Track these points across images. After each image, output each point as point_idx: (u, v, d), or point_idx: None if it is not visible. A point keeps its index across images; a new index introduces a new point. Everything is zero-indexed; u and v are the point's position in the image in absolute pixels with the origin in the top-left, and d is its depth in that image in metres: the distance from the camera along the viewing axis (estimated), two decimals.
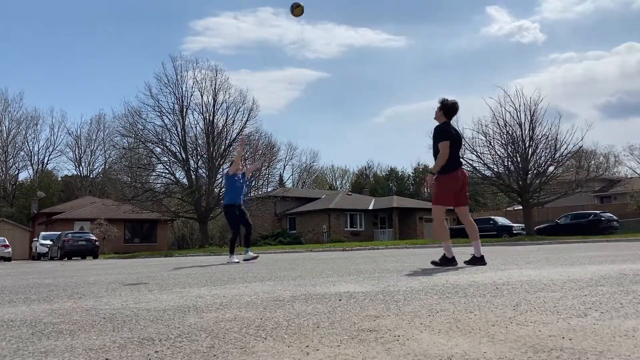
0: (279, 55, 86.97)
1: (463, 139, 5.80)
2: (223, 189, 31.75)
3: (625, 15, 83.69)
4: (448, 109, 5.58)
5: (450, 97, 5.64)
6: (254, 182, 35.15)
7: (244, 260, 8.88)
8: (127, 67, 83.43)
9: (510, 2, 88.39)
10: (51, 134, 77.65)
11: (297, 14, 6.70)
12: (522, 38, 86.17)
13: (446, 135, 5.46)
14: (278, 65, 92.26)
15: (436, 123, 5.64)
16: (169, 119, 32.55)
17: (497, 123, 27.87)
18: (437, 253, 11.33)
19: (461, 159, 5.88)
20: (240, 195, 9.14)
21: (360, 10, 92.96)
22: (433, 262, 5.54)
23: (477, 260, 5.36)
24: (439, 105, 5.61)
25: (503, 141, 28.09)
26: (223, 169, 32.57)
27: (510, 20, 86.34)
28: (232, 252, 9.06)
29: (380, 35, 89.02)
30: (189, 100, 32.69)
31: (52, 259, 27.03)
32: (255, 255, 9.40)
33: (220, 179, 32.08)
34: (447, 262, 5.37)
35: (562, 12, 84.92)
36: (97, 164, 59.07)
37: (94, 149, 58.34)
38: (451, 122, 5.70)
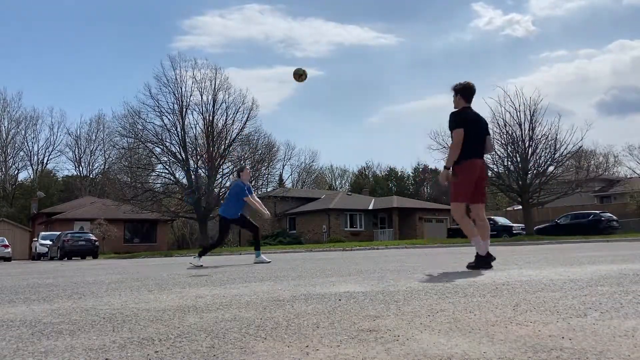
0: (267, 54, 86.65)
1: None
2: (223, 189, 31.84)
3: (616, 11, 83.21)
4: (466, 91, 5.02)
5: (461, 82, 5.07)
6: (253, 182, 35.16)
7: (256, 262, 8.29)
8: (125, 67, 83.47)
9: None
10: (50, 134, 77.97)
11: (298, 79, 7.02)
12: (514, 32, 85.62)
13: (461, 121, 4.89)
14: (267, 63, 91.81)
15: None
16: (169, 119, 32.54)
17: (497, 123, 27.94)
18: (437, 253, 11.36)
19: (483, 152, 5.11)
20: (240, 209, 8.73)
21: (346, 7, 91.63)
22: (469, 266, 4.86)
23: (481, 261, 4.77)
24: (453, 92, 5.07)
25: (503, 141, 28.15)
26: (222, 169, 32.59)
27: (502, 14, 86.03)
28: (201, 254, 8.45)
29: (369, 32, 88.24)
30: (188, 100, 32.66)
31: (52, 259, 27.01)
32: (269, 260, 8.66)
33: (220, 179, 32.11)
34: (483, 261, 4.76)
35: (551, 9, 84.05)
36: (97, 164, 59.14)
37: (94, 149, 58.41)
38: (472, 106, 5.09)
